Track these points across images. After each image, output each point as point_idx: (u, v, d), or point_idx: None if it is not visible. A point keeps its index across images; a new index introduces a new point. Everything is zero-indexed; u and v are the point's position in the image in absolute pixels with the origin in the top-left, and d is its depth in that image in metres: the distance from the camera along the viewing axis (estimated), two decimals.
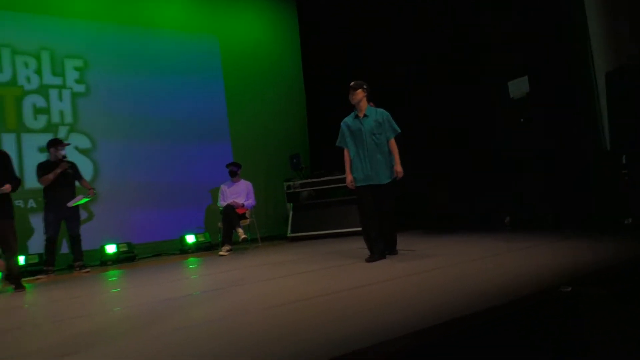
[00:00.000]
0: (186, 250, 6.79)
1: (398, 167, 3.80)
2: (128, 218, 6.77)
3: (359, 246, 3.91)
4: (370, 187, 3.84)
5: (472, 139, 5.99)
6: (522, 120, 5.21)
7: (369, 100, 3.96)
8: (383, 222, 3.84)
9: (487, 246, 4.00)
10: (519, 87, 5.20)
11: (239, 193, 6.40)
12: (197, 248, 6.85)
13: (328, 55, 7.97)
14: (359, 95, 3.87)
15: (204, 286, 3.64)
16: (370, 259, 3.73)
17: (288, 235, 7.00)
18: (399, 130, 3.89)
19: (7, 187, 4.25)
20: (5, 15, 6.38)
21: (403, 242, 3.93)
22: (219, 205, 6.41)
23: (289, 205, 7.24)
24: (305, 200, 7.12)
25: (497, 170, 5.60)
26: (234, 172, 6.49)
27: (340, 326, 1.97)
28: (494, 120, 5.74)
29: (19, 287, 4.29)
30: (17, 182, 4.42)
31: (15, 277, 4.31)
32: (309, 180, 7.11)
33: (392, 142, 3.86)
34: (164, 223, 7.03)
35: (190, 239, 6.89)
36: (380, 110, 3.93)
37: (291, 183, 7.22)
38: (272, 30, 8.77)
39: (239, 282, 3.53)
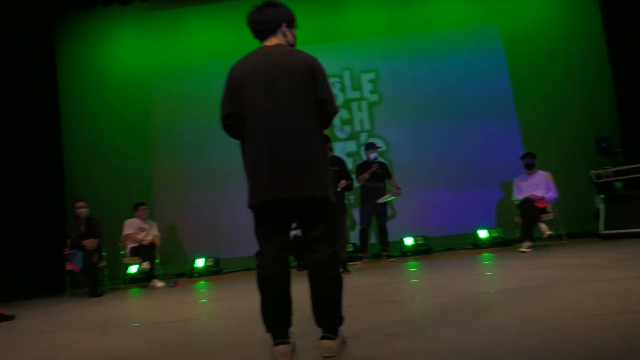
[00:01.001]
0: (479, 246, 6.70)
1: None
2: (422, 212, 7.20)
3: None
4: None
5: None
6: None
7: None
8: None
9: None
10: None
11: (536, 185, 5.88)
12: (491, 243, 6.66)
13: None
14: None
15: (502, 284, 3.48)
16: None
17: (600, 232, 5.99)
18: None
19: (342, 183, 4.97)
20: (315, 48, 7.75)
21: None
22: (513, 199, 6.06)
23: (598, 198, 6.17)
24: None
25: None
26: (530, 164, 6.00)
27: None
28: None
29: (346, 270, 5.14)
30: (351, 182, 5.21)
31: (343, 262, 5.17)
32: (627, 167, 5.88)
33: None
34: (455, 217, 7.16)
35: (482, 234, 6.77)
36: None
37: (601, 171, 6.13)
38: (563, 6, 7.74)
39: (542, 282, 3.23)
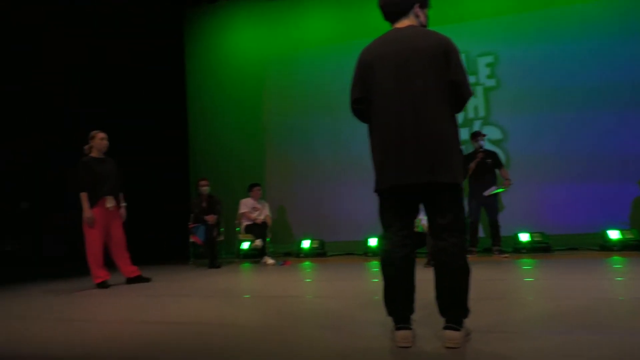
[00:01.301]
0: (609, 248, 6.01)
1: None
2: (540, 207, 6.64)
3: None
4: None
5: None
6: None
7: None
8: None
9: None
10: None
11: None
12: (623, 246, 5.93)
13: None
14: None
15: (635, 292, 3.08)
16: None
17: None
18: None
19: None
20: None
21: None
22: None
23: None
24: None
25: None
26: None
27: None
28: None
29: None
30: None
31: None
32: None
33: None
34: (580, 215, 6.48)
35: (613, 234, 6.05)
36: None
37: None
38: None
39: None
